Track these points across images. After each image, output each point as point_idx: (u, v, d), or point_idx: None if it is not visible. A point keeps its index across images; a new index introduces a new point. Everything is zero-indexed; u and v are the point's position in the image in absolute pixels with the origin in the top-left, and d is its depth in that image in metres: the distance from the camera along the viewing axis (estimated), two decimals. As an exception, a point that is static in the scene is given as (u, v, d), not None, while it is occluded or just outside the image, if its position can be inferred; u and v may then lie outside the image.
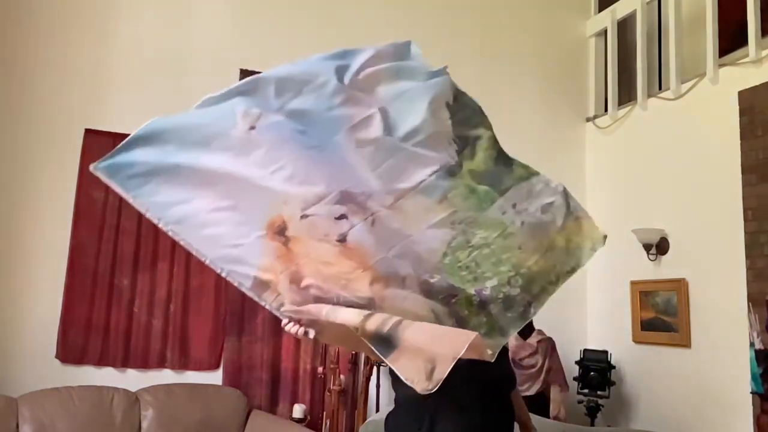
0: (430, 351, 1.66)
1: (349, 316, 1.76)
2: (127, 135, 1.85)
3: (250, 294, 1.85)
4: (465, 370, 1.72)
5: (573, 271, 2.06)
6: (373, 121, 2.03)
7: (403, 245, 1.94)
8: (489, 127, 2.20)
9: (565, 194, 2.14)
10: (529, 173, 2.16)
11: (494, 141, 2.19)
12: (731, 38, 4.72)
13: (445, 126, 2.11)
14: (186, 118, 1.93)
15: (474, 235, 2.00)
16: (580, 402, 4.91)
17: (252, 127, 1.89)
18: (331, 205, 1.91)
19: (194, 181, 1.84)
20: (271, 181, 1.88)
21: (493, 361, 1.81)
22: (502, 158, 2.16)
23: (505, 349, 2.36)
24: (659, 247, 4.92)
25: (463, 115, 2.15)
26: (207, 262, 1.82)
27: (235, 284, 1.84)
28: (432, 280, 1.92)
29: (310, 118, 1.99)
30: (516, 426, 2.47)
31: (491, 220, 2.03)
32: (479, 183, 2.07)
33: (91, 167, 1.78)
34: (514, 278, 1.97)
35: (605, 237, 2.12)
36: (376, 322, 1.73)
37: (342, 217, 1.91)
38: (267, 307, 1.85)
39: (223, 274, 1.83)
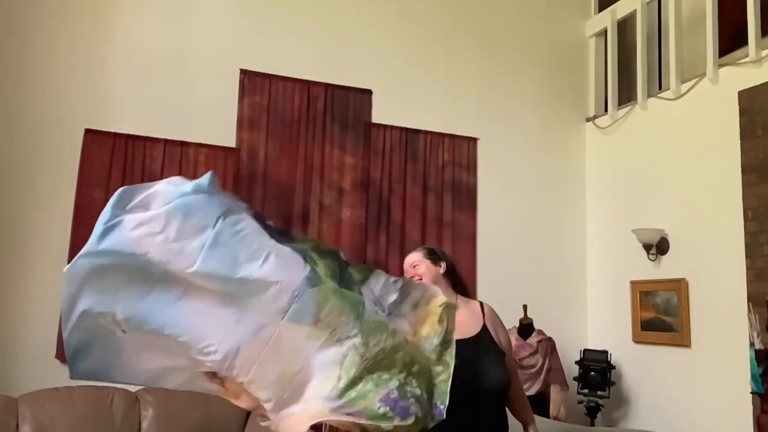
0: None
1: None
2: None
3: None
4: (459, 378, 1.81)
5: (448, 342, 1.92)
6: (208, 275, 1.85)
7: (292, 389, 1.83)
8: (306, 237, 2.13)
9: (404, 282, 2.04)
10: (368, 269, 2.01)
11: (319, 246, 2.01)
12: (731, 38, 4.72)
13: (279, 246, 1.88)
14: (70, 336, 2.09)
15: (367, 346, 1.81)
16: (580, 402, 4.91)
17: (123, 331, 1.96)
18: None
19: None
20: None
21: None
22: (337, 260, 1.98)
23: (501, 353, 2.37)
24: (659, 247, 4.92)
25: (277, 231, 1.94)
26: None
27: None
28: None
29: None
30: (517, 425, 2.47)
31: (374, 322, 1.86)
32: (339, 285, 1.88)
33: (72, 377, 2.03)
34: (409, 378, 1.83)
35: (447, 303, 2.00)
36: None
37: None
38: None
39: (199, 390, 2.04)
